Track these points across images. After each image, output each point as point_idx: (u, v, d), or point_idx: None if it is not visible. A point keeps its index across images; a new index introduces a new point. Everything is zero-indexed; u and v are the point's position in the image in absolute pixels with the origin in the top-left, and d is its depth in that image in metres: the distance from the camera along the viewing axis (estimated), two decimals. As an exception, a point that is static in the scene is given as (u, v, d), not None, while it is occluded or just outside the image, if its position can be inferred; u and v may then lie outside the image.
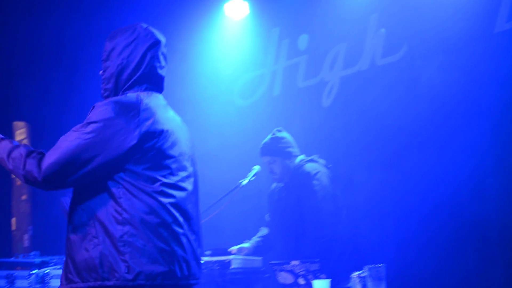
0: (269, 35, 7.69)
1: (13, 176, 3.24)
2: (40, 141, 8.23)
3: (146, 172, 3.22)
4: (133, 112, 3.23)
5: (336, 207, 5.91)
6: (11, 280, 6.33)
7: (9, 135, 8.05)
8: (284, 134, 6.14)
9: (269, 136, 6.13)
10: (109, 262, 3.15)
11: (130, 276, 3.14)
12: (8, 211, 8.03)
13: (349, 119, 6.86)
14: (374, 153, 6.57)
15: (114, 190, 3.20)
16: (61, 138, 3.24)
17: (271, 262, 5.22)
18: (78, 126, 3.23)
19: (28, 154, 3.21)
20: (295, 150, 6.11)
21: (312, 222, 5.82)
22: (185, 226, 3.34)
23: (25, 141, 8.34)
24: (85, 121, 3.23)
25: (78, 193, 3.29)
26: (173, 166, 3.32)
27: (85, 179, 3.20)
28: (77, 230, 3.25)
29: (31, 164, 3.18)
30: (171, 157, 3.32)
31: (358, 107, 6.79)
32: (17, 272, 6.33)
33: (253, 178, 6.04)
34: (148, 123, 3.24)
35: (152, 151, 3.24)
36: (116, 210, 3.18)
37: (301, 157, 6.10)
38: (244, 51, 7.88)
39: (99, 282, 3.16)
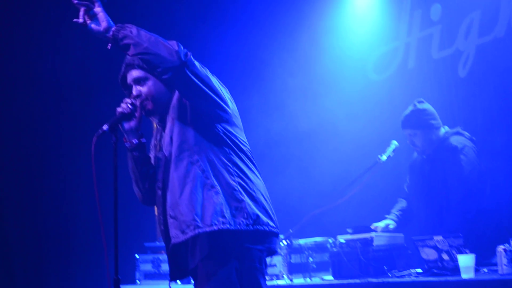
0: (401, 7, 7.59)
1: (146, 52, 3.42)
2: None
3: None
4: None
5: (481, 181, 5.78)
6: (156, 264, 6.58)
7: (149, 121, 8.39)
8: (426, 105, 6.00)
9: (410, 108, 6.00)
10: (229, 209, 3.49)
11: (250, 222, 3.51)
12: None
13: (487, 88, 6.67)
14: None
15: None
16: None
17: (413, 238, 5.19)
18: None
19: None
20: (437, 121, 5.96)
21: (457, 196, 5.72)
22: None
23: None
24: None
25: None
26: None
27: None
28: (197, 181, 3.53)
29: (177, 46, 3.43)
30: None
31: (496, 76, 6.60)
32: (162, 256, 6.57)
33: (391, 154, 6.01)
34: None
35: None
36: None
37: (445, 129, 5.97)
38: (376, 25, 7.81)
39: (226, 226, 3.45)
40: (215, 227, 3.46)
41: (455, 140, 5.87)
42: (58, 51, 8.36)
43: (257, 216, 3.53)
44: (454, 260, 4.73)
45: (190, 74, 3.44)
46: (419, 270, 5.06)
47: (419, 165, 6.11)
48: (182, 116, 3.64)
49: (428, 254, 4.96)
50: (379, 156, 5.98)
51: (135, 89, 3.72)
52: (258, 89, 7.92)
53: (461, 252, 4.69)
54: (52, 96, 8.35)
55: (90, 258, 8.06)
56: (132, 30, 3.43)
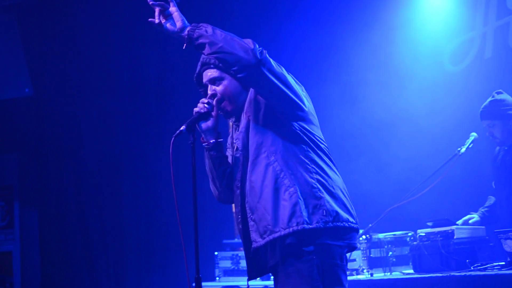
0: (476, -4, 7.47)
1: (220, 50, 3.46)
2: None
3: None
4: None
5: None
6: (236, 261, 6.64)
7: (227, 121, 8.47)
8: (504, 96, 5.91)
9: (489, 99, 5.93)
10: (306, 208, 3.49)
11: (330, 219, 3.50)
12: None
13: None
14: None
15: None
16: None
17: (496, 230, 5.11)
18: None
19: None
20: None
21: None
22: None
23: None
24: None
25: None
26: None
27: None
28: (274, 183, 3.54)
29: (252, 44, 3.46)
30: None
31: None
32: (241, 253, 6.63)
33: (471, 145, 5.93)
34: None
35: None
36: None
37: None
38: (451, 15, 7.69)
39: (302, 227, 3.46)
40: (291, 229, 3.47)
41: None
42: (135, 53, 8.51)
43: (337, 212, 3.53)
44: (538, 253, 4.65)
45: (266, 72, 3.45)
46: (502, 263, 4.98)
47: (502, 158, 6.01)
48: (257, 115, 3.65)
49: (511, 246, 4.88)
50: (458, 148, 5.92)
51: (211, 89, 3.76)
52: (335, 82, 7.89)
53: (545, 244, 4.61)
54: (130, 97, 8.52)
55: (170, 256, 8.18)
56: (207, 29, 3.46)
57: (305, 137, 3.63)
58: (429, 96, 7.50)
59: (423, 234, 5.49)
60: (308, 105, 3.71)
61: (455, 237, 5.35)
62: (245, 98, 3.74)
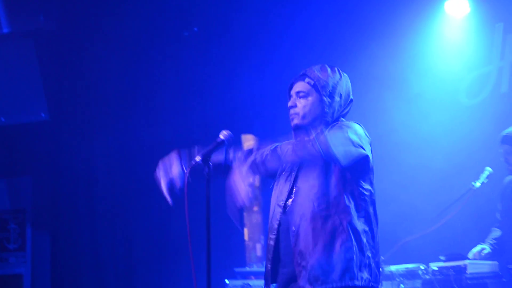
0: (493, 31, 7.48)
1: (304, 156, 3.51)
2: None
3: None
4: None
5: None
6: (246, 289, 6.62)
7: (239, 148, 8.46)
8: None
9: (511, 128, 6.04)
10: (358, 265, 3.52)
11: (372, 279, 3.55)
12: (240, 221, 8.33)
13: None
14: None
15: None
16: None
17: (509, 266, 5.09)
18: None
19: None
20: None
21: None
22: None
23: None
24: None
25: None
26: None
27: None
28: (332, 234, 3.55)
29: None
30: None
31: None
32: (252, 282, 6.61)
33: (486, 180, 5.93)
34: None
35: None
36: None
37: None
38: (467, 49, 7.70)
39: (353, 283, 3.49)
40: (344, 284, 3.49)
41: None
42: (150, 80, 8.56)
43: (376, 274, 3.60)
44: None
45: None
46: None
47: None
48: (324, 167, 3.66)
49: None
50: (472, 183, 5.91)
51: (293, 100, 3.82)
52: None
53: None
54: (146, 124, 8.55)
55: (181, 285, 8.15)
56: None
57: (364, 192, 3.66)
58: (444, 129, 7.49)
59: (436, 268, 5.47)
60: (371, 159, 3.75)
61: (468, 272, 5.33)
62: (319, 124, 3.77)
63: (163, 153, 8.29)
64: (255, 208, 8.34)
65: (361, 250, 3.54)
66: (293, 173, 3.77)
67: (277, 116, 8.39)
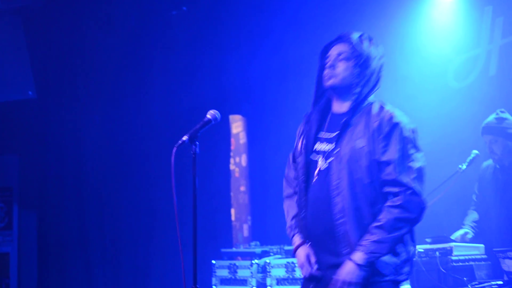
0: (482, 14, 7.46)
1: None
2: (256, 134, 8.51)
3: None
4: None
5: None
6: (233, 270, 6.62)
7: (226, 128, 8.46)
8: (507, 115, 6.05)
9: (493, 116, 6.05)
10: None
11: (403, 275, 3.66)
12: (227, 202, 8.34)
13: None
14: None
15: None
16: None
17: (494, 249, 5.11)
18: None
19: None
20: None
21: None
22: None
23: (242, 134, 8.62)
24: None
25: None
26: None
27: None
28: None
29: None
30: None
31: None
32: (238, 262, 6.61)
33: (472, 163, 5.95)
34: None
35: None
36: None
37: None
38: (456, 32, 7.69)
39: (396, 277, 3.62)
40: None
41: None
42: (139, 58, 8.52)
43: None
44: (536, 273, 4.64)
45: None
46: (500, 282, 4.98)
47: (491, 175, 6.06)
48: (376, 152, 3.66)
49: (510, 265, 4.88)
50: (459, 165, 5.93)
51: (333, 60, 3.78)
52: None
53: (543, 265, 4.60)
54: (133, 102, 8.52)
55: (168, 263, 8.16)
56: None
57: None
58: (432, 111, 7.49)
59: (422, 250, 5.48)
60: None
61: (453, 255, 5.35)
62: (351, 92, 3.78)
63: (152, 131, 8.35)
64: (242, 188, 8.35)
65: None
66: None
67: (266, 98, 8.41)
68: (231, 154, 8.44)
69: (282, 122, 7.83)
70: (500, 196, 5.94)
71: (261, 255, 6.61)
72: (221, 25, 8.39)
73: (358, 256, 3.48)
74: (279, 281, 6.22)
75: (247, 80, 8.34)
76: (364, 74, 3.77)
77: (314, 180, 3.70)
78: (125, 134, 8.46)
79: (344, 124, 3.70)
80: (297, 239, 3.77)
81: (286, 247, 6.51)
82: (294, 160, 3.90)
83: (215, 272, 6.78)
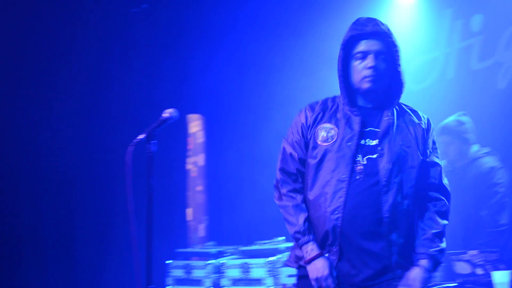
0: (441, 17, 7.52)
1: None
2: (214, 133, 8.48)
3: None
4: None
5: None
6: (188, 270, 6.59)
7: (184, 127, 8.41)
8: (467, 119, 6.12)
9: (453, 118, 6.13)
10: None
11: None
12: (183, 201, 8.30)
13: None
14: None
15: None
16: None
17: (447, 252, 5.13)
18: None
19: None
20: (473, 138, 6.03)
21: (492, 213, 5.69)
22: None
23: (200, 133, 8.58)
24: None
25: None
26: None
27: None
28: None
29: None
30: None
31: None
32: (194, 262, 6.58)
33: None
34: None
35: None
36: None
37: (477, 147, 6.00)
38: (415, 34, 7.74)
39: None
40: None
41: (490, 161, 5.96)
42: (96, 53, 8.43)
43: None
44: (488, 275, 4.67)
45: None
46: (453, 284, 5.00)
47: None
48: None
49: (462, 268, 4.91)
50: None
51: (373, 59, 3.61)
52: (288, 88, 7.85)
53: (496, 268, 4.63)
54: (90, 100, 8.43)
55: (122, 263, 8.09)
56: None
57: None
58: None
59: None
60: None
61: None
62: (388, 94, 3.74)
63: (109, 129, 8.27)
64: (199, 188, 8.31)
65: None
66: None
67: (224, 97, 8.39)
68: (189, 153, 8.41)
69: (240, 121, 7.81)
70: (458, 200, 5.98)
71: (216, 256, 6.57)
72: (180, 24, 8.34)
73: (427, 263, 3.58)
74: (235, 282, 6.20)
75: (205, 79, 8.32)
76: (400, 73, 3.71)
77: (357, 177, 3.50)
78: (81, 131, 8.36)
79: (388, 122, 3.65)
80: (314, 248, 3.49)
81: (241, 248, 6.50)
82: (304, 151, 3.63)
83: (170, 272, 6.75)
